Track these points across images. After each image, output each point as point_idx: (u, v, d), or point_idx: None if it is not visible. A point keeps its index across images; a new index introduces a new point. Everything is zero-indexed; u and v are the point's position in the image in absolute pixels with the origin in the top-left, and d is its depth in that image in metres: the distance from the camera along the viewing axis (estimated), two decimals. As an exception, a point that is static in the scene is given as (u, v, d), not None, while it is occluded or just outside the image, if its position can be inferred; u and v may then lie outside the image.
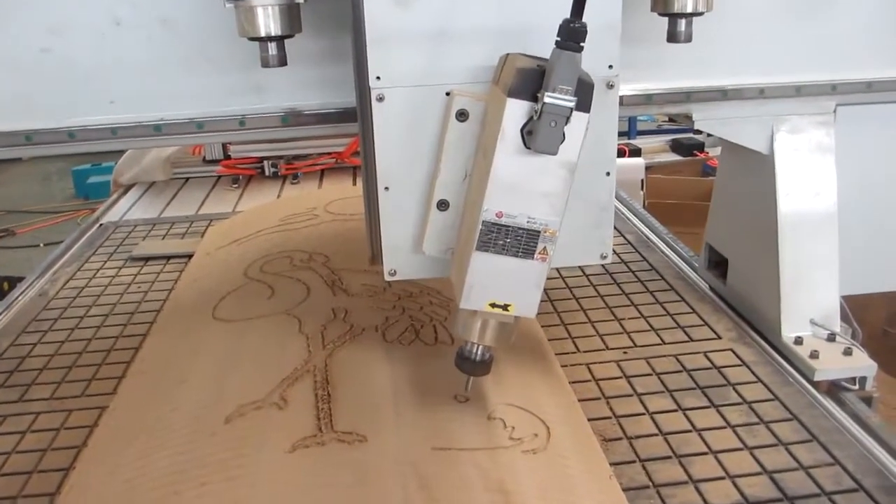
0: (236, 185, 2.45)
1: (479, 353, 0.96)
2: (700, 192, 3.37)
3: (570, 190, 0.87)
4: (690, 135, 4.41)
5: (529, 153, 0.84)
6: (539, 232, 0.87)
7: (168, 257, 1.78)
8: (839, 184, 1.23)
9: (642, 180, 3.31)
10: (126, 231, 2.01)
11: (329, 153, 2.48)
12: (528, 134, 0.83)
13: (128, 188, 2.46)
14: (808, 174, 1.23)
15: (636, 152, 4.03)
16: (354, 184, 2.37)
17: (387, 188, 0.98)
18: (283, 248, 1.62)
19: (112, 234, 1.98)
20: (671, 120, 4.78)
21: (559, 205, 0.87)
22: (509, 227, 0.87)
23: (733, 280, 1.39)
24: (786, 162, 1.22)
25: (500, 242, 0.87)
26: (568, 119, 0.82)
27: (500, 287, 0.89)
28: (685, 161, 4.16)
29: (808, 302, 1.23)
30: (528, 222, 0.87)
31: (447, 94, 0.94)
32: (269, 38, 0.96)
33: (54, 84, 1.08)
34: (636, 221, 1.88)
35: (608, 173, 1.00)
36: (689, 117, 1.22)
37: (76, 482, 0.96)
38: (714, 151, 4.19)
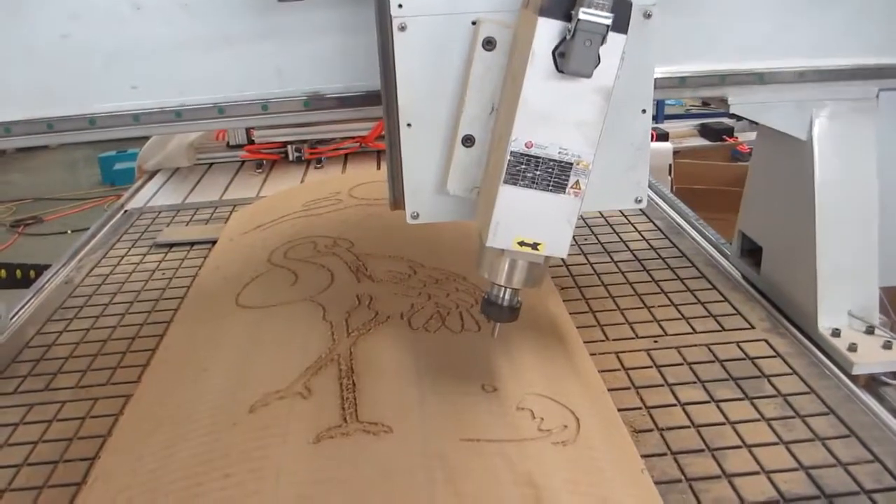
0: (260, 170, 2.44)
1: (506, 297, 0.91)
2: (729, 178, 3.31)
3: (605, 120, 0.82)
4: (719, 119, 4.32)
5: (562, 77, 0.79)
6: (571, 164, 0.82)
7: (192, 243, 1.78)
8: (879, 171, 1.18)
9: (670, 165, 3.26)
10: (150, 217, 2.01)
11: (353, 137, 2.46)
12: (561, 56, 0.78)
13: (152, 174, 2.47)
14: (848, 161, 1.18)
15: (664, 137, 3.96)
16: (378, 168, 2.35)
17: (409, 124, 0.93)
18: (306, 233, 1.61)
19: (136, 221, 1.99)
20: (705, 104, 4.70)
21: (593, 135, 0.82)
22: (539, 158, 0.82)
23: (768, 269, 1.35)
24: (825, 148, 1.18)
25: (530, 175, 0.82)
26: (604, 39, 0.77)
27: (529, 223, 0.84)
28: (714, 146, 4.08)
29: (846, 293, 1.19)
30: (559, 153, 0.82)
31: (473, 22, 0.89)
32: None
33: (75, 70, 1.07)
34: (665, 207, 1.85)
35: (644, 110, 0.94)
36: (724, 101, 1.17)
37: (100, 473, 0.96)
38: (744, 136, 4.11)
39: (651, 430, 1.02)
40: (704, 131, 4.28)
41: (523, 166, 0.82)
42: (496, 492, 0.84)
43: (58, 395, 1.19)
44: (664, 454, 0.98)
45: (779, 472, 0.94)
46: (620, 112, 0.90)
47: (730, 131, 4.18)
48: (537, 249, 0.86)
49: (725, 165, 3.72)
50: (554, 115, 0.81)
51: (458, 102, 0.92)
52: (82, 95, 1.08)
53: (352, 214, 1.70)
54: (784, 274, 1.31)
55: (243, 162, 2.53)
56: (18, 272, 2.78)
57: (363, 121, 2.28)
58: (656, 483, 0.90)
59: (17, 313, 1.50)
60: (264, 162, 2.48)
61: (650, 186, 1.96)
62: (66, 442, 1.07)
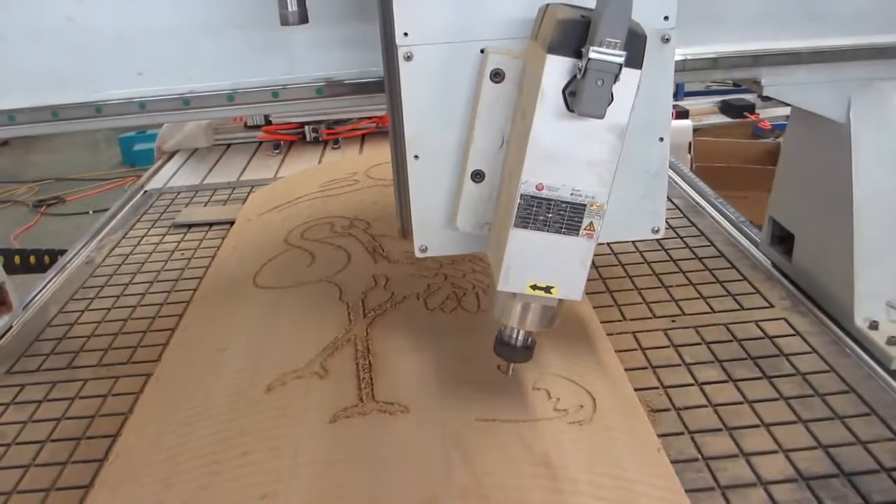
0: (277, 151, 2.45)
1: (519, 337, 0.89)
2: (750, 155, 3.27)
3: (619, 158, 0.78)
4: (740, 96, 4.27)
5: (573, 117, 0.76)
6: (584, 206, 0.79)
7: (210, 224, 1.79)
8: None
9: (690, 143, 3.21)
10: (170, 198, 2.02)
11: (370, 117, 2.46)
12: (572, 95, 0.75)
13: (171, 155, 2.48)
14: (889, 144, 1.13)
15: (683, 114, 3.91)
16: (395, 149, 2.34)
17: (416, 157, 0.90)
18: (323, 214, 1.61)
19: (156, 202, 2.00)
20: (735, 85, 4.61)
21: (607, 175, 0.78)
22: (551, 200, 0.79)
23: (800, 258, 1.31)
24: (864, 131, 1.13)
25: (541, 218, 0.79)
26: (617, 77, 0.73)
27: (541, 267, 0.82)
28: (735, 123, 4.03)
29: (885, 282, 1.15)
30: (572, 195, 0.79)
31: (481, 51, 0.86)
32: None
33: (80, 55, 1.04)
34: (684, 185, 1.83)
35: (661, 138, 0.90)
36: (757, 83, 1.12)
37: (121, 450, 0.97)
38: (765, 113, 4.06)
39: (668, 410, 1.02)
40: (725, 108, 4.23)
41: (534, 209, 0.79)
42: (512, 471, 0.85)
43: (80, 374, 1.21)
44: (681, 433, 0.98)
45: (797, 450, 0.93)
46: (636, 140, 0.86)
47: (751, 108, 4.13)
48: (550, 293, 0.83)
49: (747, 143, 3.67)
50: (565, 155, 0.78)
51: (466, 135, 0.89)
52: (87, 81, 1.06)
53: (368, 195, 1.70)
54: (818, 263, 1.26)
55: (261, 142, 2.54)
56: (32, 258, 2.82)
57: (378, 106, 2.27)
58: (673, 462, 0.90)
59: (39, 292, 1.52)
60: (282, 143, 2.49)
61: (670, 165, 1.94)
62: (88, 419, 1.09)
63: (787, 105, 1.20)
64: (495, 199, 0.90)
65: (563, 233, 0.80)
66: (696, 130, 3.54)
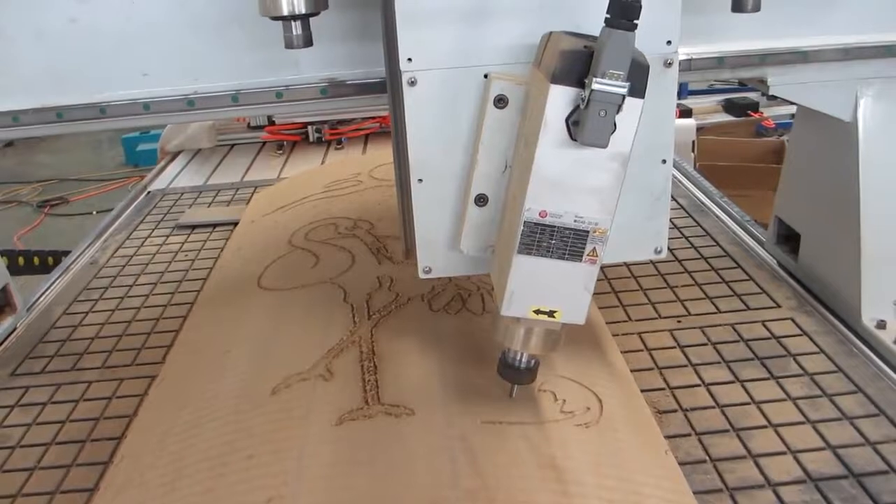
0: (281, 152, 2.45)
1: (523, 360, 0.90)
2: (754, 154, 3.26)
3: (622, 185, 0.78)
4: (744, 94, 4.26)
5: (576, 145, 0.76)
6: (588, 232, 0.79)
7: (214, 225, 1.79)
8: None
9: (693, 142, 3.21)
10: (173, 199, 2.02)
11: (373, 117, 2.46)
12: (575, 124, 0.75)
13: (174, 155, 2.48)
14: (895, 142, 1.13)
15: (687, 113, 3.91)
16: (399, 149, 2.34)
17: (420, 180, 0.91)
18: (327, 215, 1.61)
19: (159, 202, 2.00)
20: (741, 84, 4.60)
21: (610, 202, 0.79)
22: (554, 227, 0.79)
23: (806, 257, 1.30)
24: (871, 130, 1.12)
25: (545, 244, 0.80)
26: (619, 107, 0.73)
27: (545, 292, 0.82)
28: (738, 122, 4.03)
29: (892, 281, 1.14)
30: (575, 221, 0.79)
31: (485, 76, 0.86)
32: (294, 17, 0.90)
33: (84, 56, 1.04)
34: (688, 185, 1.82)
35: (664, 161, 0.90)
36: (763, 82, 1.11)
37: (127, 452, 0.97)
38: (769, 111, 4.05)
39: (675, 411, 1.02)
40: (729, 106, 4.22)
41: (538, 236, 0.80)
42: (518, 473, 0.84)
43: (84, 375, 1.21)
44: (688, 435, 0.97)
45: (805, 451, 0.93)
46: (639, 163, 0.85)
47: (755, 106, 4.13)
48: (554, 317, 0.84)
49: (750, 141, 3.67)
50: (568, 182, 0.78)
51: (470, 159, 0.89)
52: (92, 82, 1.06)
53: (372, 196, 1.70)
54: (824, 262, 1.25)
55: (264, 143, 2.53)
56: (36, 259, 2.82)
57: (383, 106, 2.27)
58: (680, 464, 0.90)
59: (43, 293, 1.52)
60: (285, 143, 2.49)
61: (673, 164, 1.93)
62: (92, 421, 1.09)
63: (793, 104, 1.19)
64: (499, 223, 0.90)
65: (567, 259, 0.81)
66: (699, 129, 3.53)
